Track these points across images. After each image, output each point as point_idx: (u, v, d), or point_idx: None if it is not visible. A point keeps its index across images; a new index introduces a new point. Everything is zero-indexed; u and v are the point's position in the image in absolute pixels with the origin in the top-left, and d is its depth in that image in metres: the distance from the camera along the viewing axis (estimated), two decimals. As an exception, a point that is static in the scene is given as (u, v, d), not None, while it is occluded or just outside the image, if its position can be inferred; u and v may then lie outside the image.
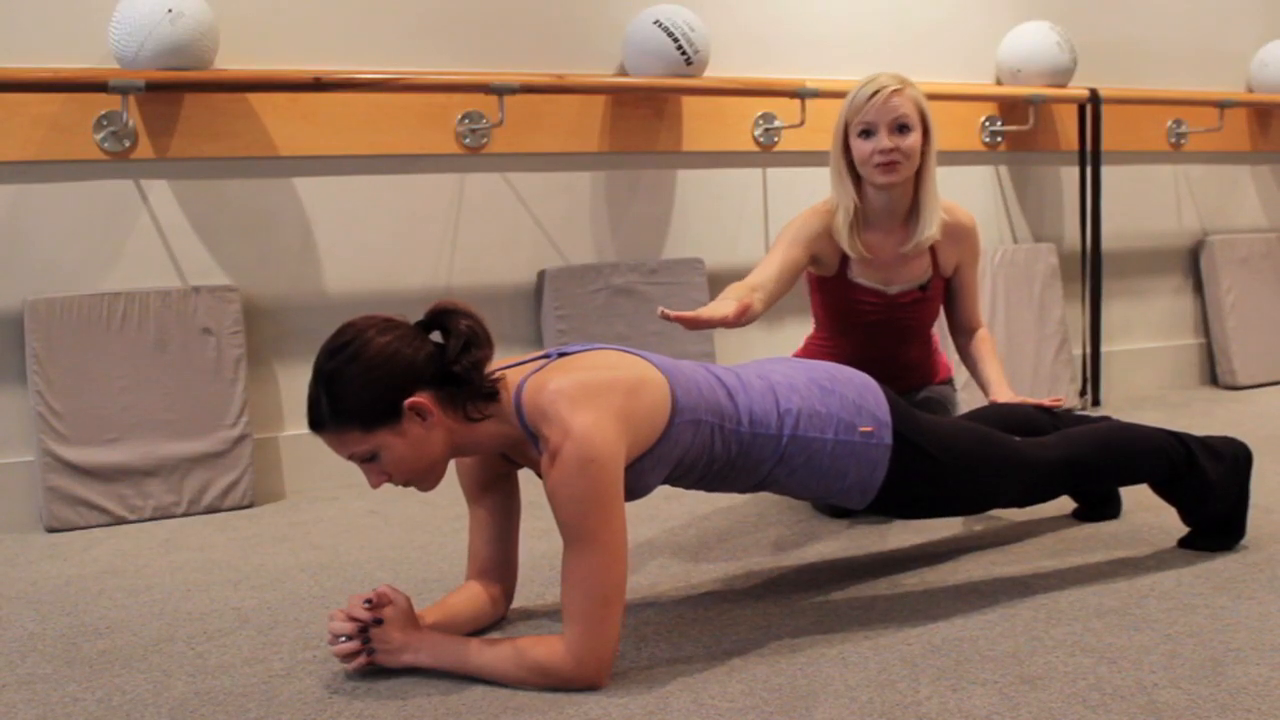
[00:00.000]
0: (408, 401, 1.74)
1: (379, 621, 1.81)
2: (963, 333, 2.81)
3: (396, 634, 1.81)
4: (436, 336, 1.82)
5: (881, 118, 2.55)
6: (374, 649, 1.81)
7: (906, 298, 2.70)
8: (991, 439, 2.15)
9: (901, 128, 2.55)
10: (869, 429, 2.01)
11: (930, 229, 2.62)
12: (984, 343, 2.78)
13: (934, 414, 2.63)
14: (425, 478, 1.82)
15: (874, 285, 2.68)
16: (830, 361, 2.27)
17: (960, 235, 2.71)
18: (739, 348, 3.69)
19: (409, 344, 1.76)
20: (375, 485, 1.82)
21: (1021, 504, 2.31)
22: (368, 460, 1.78)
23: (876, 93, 2.56)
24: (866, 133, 2.57)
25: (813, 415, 1.99)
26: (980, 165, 4.16)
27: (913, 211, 2.65)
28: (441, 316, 1.81)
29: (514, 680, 1.76)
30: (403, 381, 1.74)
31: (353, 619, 1.81)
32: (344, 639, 1.81)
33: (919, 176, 2.62)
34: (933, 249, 2.69)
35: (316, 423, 1.77)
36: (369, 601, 1.81)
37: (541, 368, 1.84)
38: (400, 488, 3.05)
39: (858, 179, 2.63)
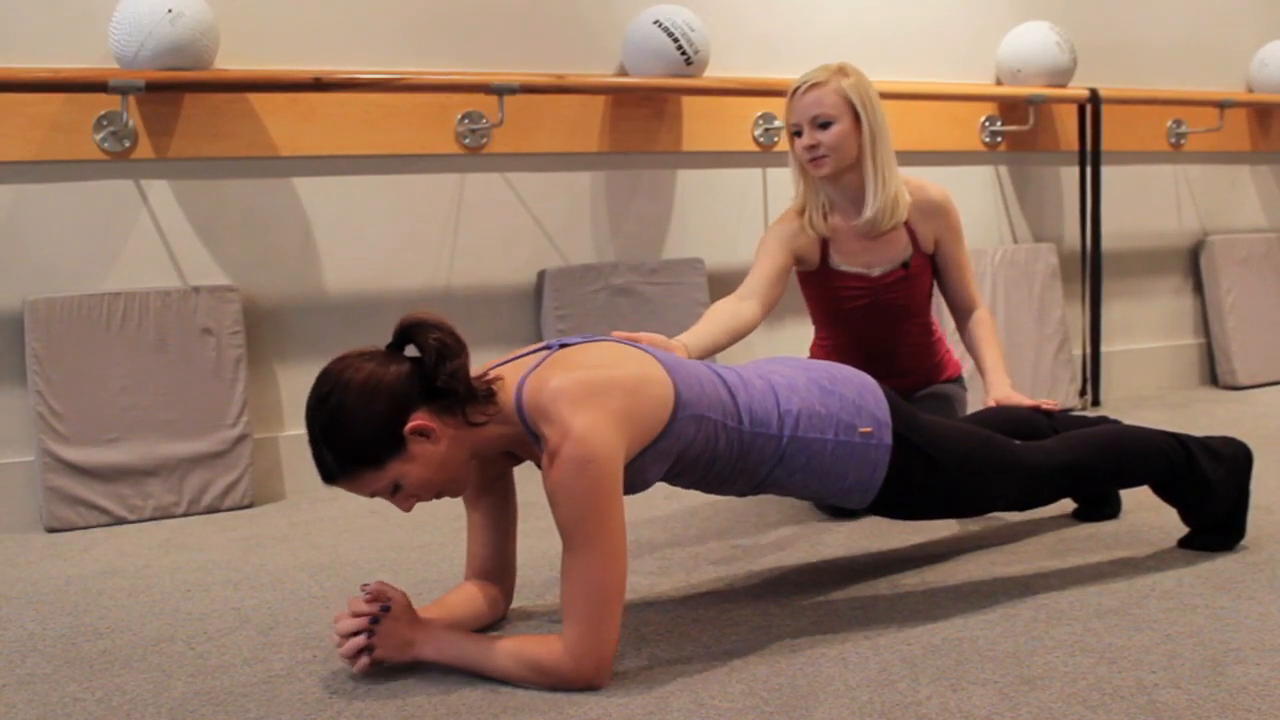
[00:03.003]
0: (407, 428, 1.74)
1: (386, 609, 1.80)
2: (960, 313, 2.82)
3: (402, 627, 1.81)
4: (413, 350, 1.80)
5: (802, 116, 2.63)
6: (378, 645, 1.80)
7: (890, 277, 2.72)
8: (991, 442, 2.15)
9: (823, 124, 2.60)
10: (868, 430, 2.01)
11: (871, 213, 2.65)
12: (981, 324, 2.78)
13: (939, 411, 2.64)
14: (451, 487, 1.83)
15: (857, 270, 2.72)
16: (833, 357, 2.26)
17: (931, 210, 2.74)
18: (740, 347, 3.68)
19: (387, 370, 1.75)
20: (407, 509, 1.82)
21: (1021, 508, 2.31)
22: (392, 493, 1.79)
23: (795, 91, 2.65)
24: (796, 132, 2.65)
25: (813, 416, 1.98)
26: (980, 165, 4.16)
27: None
28: (410, 332, 1.79)
29: (515, 678, 1.76)
30: (395, 410, 1.74)
31: (358, 615, 1.80)
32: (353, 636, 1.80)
33: (860, 163, 2.64)
34: (909, 226, 2.72)
35: (328, 477, 1.77)
36: (369, 596, 1.81)
37: (541, 362, 1.84)
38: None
39: None
